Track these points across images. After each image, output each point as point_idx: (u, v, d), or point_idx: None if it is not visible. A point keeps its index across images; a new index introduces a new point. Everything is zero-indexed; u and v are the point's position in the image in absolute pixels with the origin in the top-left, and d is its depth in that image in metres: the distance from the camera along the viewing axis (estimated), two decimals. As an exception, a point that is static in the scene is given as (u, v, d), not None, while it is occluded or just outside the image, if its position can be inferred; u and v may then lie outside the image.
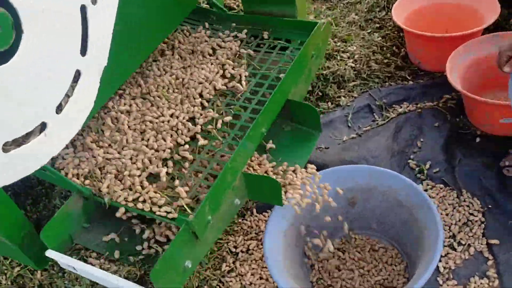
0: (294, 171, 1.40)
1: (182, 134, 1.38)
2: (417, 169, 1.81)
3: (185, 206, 1.17)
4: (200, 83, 1.51)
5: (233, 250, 1.72)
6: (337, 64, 2.17)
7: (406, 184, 1.47)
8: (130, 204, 1.20)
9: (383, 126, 1.97)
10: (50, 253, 1.20)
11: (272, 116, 1.39)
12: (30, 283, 1.66)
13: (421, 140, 1.90)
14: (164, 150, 1.33)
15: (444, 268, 1.55)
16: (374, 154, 1.84)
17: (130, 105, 1.44)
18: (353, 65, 2.19)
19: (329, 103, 2.08)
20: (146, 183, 1.25)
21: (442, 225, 1.35)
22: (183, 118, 1.41)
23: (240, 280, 1.64)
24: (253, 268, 1.66)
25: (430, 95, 2.04)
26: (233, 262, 1.69)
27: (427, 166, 1.81)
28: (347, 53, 2.23)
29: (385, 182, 1.51)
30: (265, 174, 1.35)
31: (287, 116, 1.53)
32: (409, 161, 1.84)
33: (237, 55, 1.60)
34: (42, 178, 1.36)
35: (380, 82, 2.14)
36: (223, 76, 1.55)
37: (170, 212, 1.17)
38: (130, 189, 1.23)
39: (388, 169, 1.52)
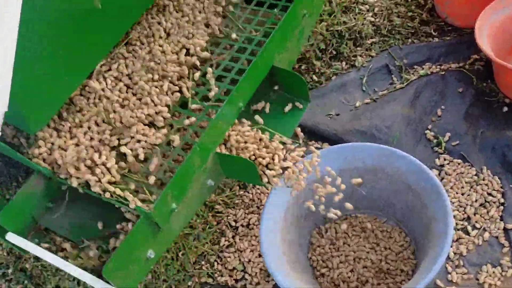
0: (282, 146, 1.28)
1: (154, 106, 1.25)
2: (435, 141, 1.66)
3: (147, 193, 1.08)
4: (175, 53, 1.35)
5: (233, 224, 1.65)
6: (354, 18, 1.97)
7: (416, 167, 1.34)
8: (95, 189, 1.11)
9: (401, 90, 1.80)
10: (9, 237, 1.15)
11: (251, 88, 1.25)
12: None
13: (442, 107, 1.73)
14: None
15: (455, 254, 1.44)
16: (387, 123, 1.69)
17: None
18: (372, 19, 1.98)
19: (344, 63, 1.91)
20: (112, 164, 1.14)
21: (452, 217, 1.23)
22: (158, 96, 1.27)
23: (239, 256, 1.58)
24: (252, 245, 1.60)
25: (456, 55, 1.84)
26: (233, 237, 1.63)
27: (446, 138, 1.65)
28: (366, 5, 2.02)
29: (394, 163, 1.38)
30: (242, 151, 1.22)
31: (274, 83, 1.38)
32: (427, 131, 1.68)
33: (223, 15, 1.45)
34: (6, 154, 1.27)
35: (402, 39, 1.93)
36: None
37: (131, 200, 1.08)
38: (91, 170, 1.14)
39: (397, 150, 1.38)
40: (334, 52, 1.94)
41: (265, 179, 1.19)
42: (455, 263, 1.43)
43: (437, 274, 1.34)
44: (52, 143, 1.17)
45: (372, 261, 1.42)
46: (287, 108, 1.36)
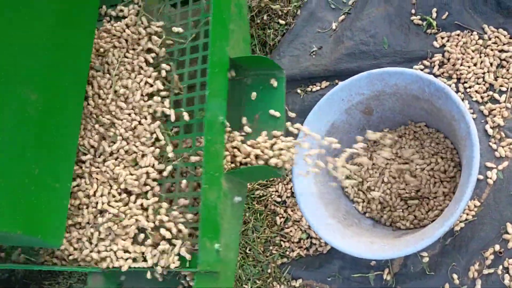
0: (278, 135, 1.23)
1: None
2: (424, 24, 1.55)
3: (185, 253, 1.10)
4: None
5: (279, 199, 1.67)
6: None
7: (413, 77, 1.27)
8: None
9: (369, -13, 1.67)
10: None
11: (222, 94, 1.19)
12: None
13: (416, -16, 1.59)
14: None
15: (493, 128, 1.38)
16: (371, 33, 1.59)
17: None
18: None
19: (301, -9, 1.79)
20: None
21: (469, 114, 1.16)
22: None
23: (298, 227, 1.61)
24: (305, 210, 1.62)
25: None
26: (285, 211, 1.65)
27: (434, 14, 1.54)
28: None
29: (390, 82, 1.31)
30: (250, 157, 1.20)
31: (242, 69, 1.29)
32: (412, 18, 1.57)
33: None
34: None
35: None
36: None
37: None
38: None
39: (387, 68, 1.31)
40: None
41: (283, 170, 1.18)
42: (496, 137, 1.37)
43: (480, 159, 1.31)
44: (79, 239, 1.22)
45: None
46: (274, 82, 1.28)
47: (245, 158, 1.17)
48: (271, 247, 1.63)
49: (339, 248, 1.23)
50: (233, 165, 1.18)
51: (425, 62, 1.52)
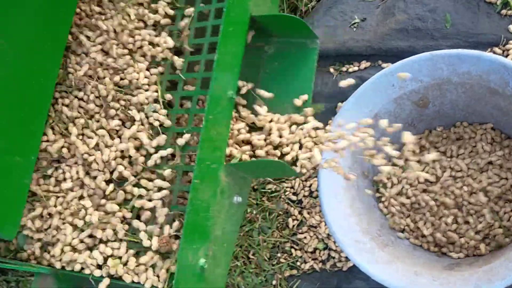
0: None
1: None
2: (498, 2, 1.24)
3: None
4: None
5: (294, 198, 1.38)
6: None
7: (494, 64, 0.97)
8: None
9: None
10: None
11: (235, 62, 0.89)
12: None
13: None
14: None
15: None
16: (431, 7, 1.28)
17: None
18: None
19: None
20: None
21: None
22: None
23: (314, 233, 1.33)
24: (324, 215, 1.33)
25: None
26: (299, 213, 1.37)
27: (512, -9, 1.23)
28: None
29: (460, 69, 1.02)
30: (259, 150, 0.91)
31: (264, 32, 1.00)
32: (483, -8, 1.26)
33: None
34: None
35: None
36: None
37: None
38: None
39: (459, 50, 1.01)
40: None
41: (298, 169, 0.89)
42: None
43: None
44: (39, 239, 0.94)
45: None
46: (303, 54, 0.99)
47: (254, 148, 0.88)
48: (279, 254, 1.35)
49: (374, 277, 0.95)
50: (237, 155, 0.89)
51: (496, 49, 1.21)
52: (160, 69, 0.94)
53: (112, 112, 0.92)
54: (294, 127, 0.90)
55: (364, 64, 1.35)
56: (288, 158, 0.86)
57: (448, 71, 1.03)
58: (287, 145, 0.87)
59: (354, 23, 1.40)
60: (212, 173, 0.83)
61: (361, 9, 1.41)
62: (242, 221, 1.31)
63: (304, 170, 0.84)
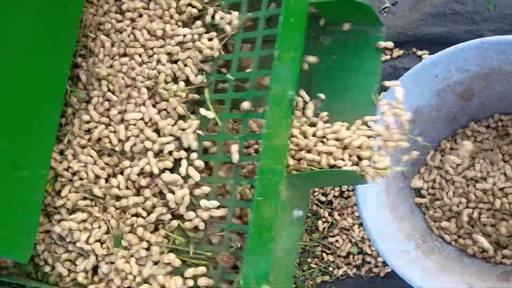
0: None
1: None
2: (546, -21, 1.13)
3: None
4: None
5: (324, 199, 1.29)
6: None
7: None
8: None
9: None
10: None
11: (295, 57, 0.78)
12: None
13: None
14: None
15: None
16: (471, -13, 1.18)
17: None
18: None
19: None
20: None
21: None
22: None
23: (347, 236, 1.24)
24: (357, 217, 1.24)
25: None
26: (330, 214, 1.28)
27: (562, -33, 1.11)
28: None
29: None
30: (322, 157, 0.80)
31: (319, 21, 0.89)
32: (529, -30, 1.15)
33: None
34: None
35: None
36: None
37: None
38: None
39: (509, 36, 0.90)
40: None
41: (371, 178, 0.78)
42: None
43: None
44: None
45: None
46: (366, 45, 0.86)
47: (307, 152, 0.78)
48: (309, 259, 1.27)
49: (424, 291, 0.86)
50: (290, 162, 0.79)
51: (545, 33, 1.11)
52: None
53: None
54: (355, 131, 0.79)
55: (397, 52, 1.25)
56: (364, 163, 0.75)
57: (499, 60, 0.92)
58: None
59: (385, 8, 1.29)
60: (273, 187, 0.72)
61: (391, -8, 1.30)
62: (301, 236, 1.22)
63: (378, 180, 0.73)
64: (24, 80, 0.82)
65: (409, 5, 1.26)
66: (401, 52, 1.24)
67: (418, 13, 1.22)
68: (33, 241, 0.85)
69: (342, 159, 0.75)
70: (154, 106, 0.83)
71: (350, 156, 0.75)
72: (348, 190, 1.27)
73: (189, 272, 0.74)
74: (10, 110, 0.81)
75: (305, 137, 0.79)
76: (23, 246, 0.82)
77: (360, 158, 0.77)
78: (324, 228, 1.27)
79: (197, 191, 0.76)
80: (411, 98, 0.99)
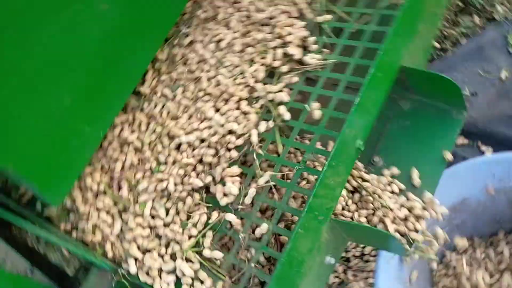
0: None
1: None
2: None
3: None
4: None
5: (343, 254, 1.28)
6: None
7: None
8: None
9: None
10: None
11: (372, 114, 0.80)
12: None
13: None
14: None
15: None
16: (554, 103, 1.17)
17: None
18: None
19: (476, 17, 1.38)
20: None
21: None
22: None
23: (356, 298, 1.22)
24: (370, 284, 1.22)
25: None
26: (344, 272, 1.27)
27: None
28: None
29: None
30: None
31: (404, 85, 0.90)
32: None
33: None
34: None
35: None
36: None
37: None
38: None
39: None
40: (462, 4, 1.40)
41: (415, 252, 0.78)
42: None
43: None
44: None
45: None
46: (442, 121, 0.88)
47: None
48: (309, 308, 1.25)
49: None
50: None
51: None
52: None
53: None
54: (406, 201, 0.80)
55: (462, 140, 1.25)
56: (416, 236, 0.76)
57: None
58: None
59: (464, 95, 1.29)
60: (316, 225, 0.74)
61: (475, 82, 1.31)
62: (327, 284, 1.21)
63: (418, 257, 0.74)
64: (114, 53, 0.88)
65: (487, 99, 1.26)
66: (466, 141, 1.24)
67: (495, 111, 1.22)
68: (68, 190, 0.89)
69: (394, 223, 0.76)
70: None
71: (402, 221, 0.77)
72: (369, 255, 1.26)
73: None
74: (96, 73, 0.87)
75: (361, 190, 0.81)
76: (61, 192, 0.87)
77: (408, 228, 0.77)
78: (333, 283, 1.26)
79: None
80: (461, 188, 0.99)
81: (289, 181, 0.77)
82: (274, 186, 0.77)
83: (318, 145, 0.83)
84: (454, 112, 0.87)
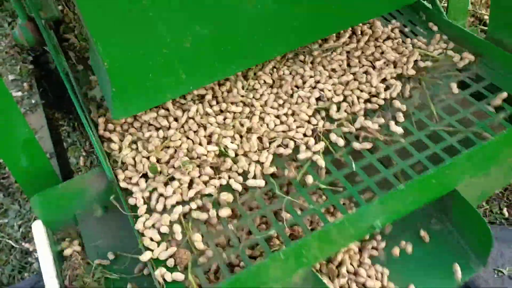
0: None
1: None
2: None
3: None
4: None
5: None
6: None
7: None
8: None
9: None
10: (35, 226, 0.99)
11: (403, 207, 0.93)
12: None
13: None
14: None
15: None
16: None
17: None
18: None
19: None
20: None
21: None
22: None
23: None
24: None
25: None
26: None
27: None
28: None
29: None
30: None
31: (442, 209, 1.01)
32: None
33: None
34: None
35: None
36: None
37: None
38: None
39: None
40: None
41: None
42: None
43: None
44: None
45: None
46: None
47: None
48: None
49: None
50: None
51: None
52: None
53: None
54: None
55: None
56: None
57: None
58: None
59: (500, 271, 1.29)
60: (297, 261, 0.84)
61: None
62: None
63: None
64: (261, 26, 1.02)
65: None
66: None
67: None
68: (135, 112, 1.02)
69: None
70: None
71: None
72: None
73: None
74: (222, 40, 0.99)
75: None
76: (127, 110, 0.99)
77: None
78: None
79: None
80: None
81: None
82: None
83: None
84: (473, 258, 0.93)
